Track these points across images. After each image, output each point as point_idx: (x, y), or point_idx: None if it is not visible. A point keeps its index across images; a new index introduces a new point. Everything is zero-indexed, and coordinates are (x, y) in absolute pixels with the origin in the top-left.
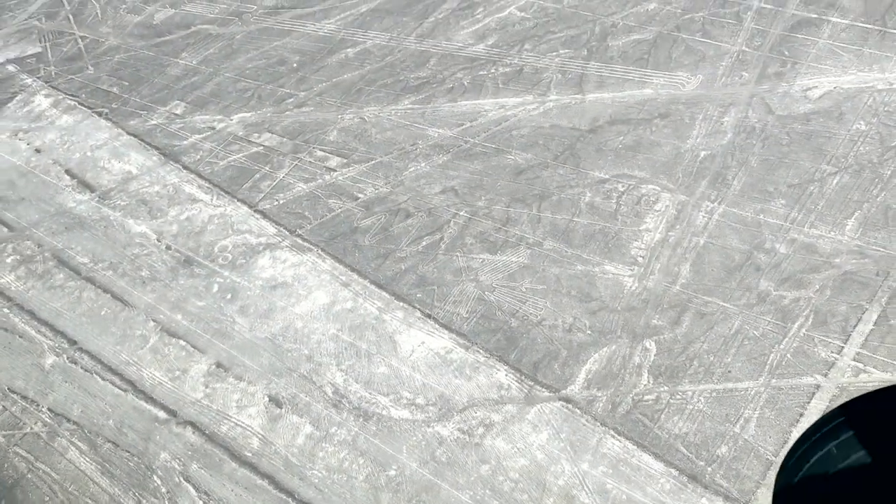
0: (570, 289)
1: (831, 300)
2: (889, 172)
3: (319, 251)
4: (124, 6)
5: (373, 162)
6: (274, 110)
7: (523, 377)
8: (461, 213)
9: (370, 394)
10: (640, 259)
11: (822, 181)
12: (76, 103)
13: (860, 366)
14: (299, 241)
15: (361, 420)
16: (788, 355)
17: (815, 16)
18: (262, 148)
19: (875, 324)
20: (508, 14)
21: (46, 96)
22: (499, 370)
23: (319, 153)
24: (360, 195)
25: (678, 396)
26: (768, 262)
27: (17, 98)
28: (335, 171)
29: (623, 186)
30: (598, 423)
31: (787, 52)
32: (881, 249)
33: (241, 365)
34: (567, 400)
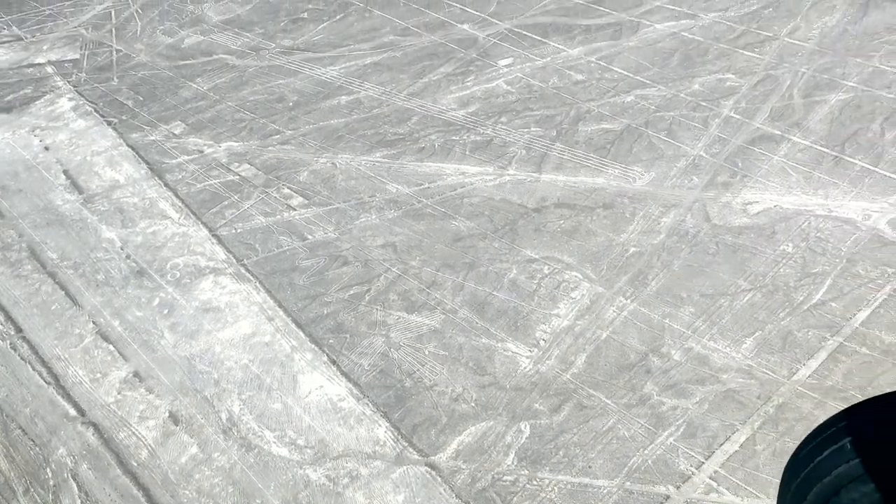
0: (469, 360)
1: (706, 414)
2: (801, 299)
3: (257, 283)
4: (162, 28)
5: (330, 207)
6: (259, 143)
7: (400, 437)
8: (393, 269)
9: (259, 427)
10: (541, 342)
11: (734, 296)
12: (93, 110)
13: (714, 484)
14: (243, 270)
15: (244, 450)
16: (650, 461)
17: (778, 132)
18: (238, 177)
19: (741, 446)
20: (496, 86)
21: (70, 99)
22: (380, 426)
23: (286, 190)
24: (309, 236)
25: (535, 482)
26: (659, 367)
27: (45, 97)
28: (295, 210)
29: (548, 269)
30: (454, 495)
31: (740, 164)
32: (769, 373)
33: (156, 378)
34: (433, 466)
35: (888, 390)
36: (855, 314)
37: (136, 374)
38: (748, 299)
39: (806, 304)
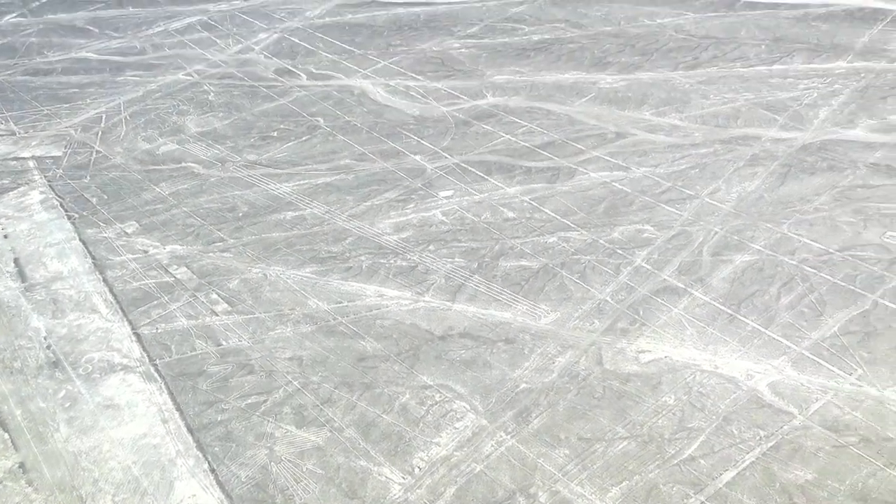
0: (343, 482)
1: None
2: (672, 452)
3: (162, 384)
4: (143, 134)
5: (251, 316)
6: (202, 249)
7: None
8: (294, 383)
9: None
10: (417, 470)
11: (609, 442)
12: (59, 204)
13: None
14: (153, 370)
15: None
16: None
17: (682, 286)
18: (173, 279)
19: None
20: (432, 215)
21: (41, 193)
22: None
23: (214, 296)
24: (224, 343)
25: None
26: None
27: (19, 189)
28: (217, 315)
29: (440, 397)
30: None
31: (641, 313)
32: None
33: (39, 471)
34: None
35: None
36: (721, 474)
37: (21, 466)
38: (622, 447)
39: (676, 458)
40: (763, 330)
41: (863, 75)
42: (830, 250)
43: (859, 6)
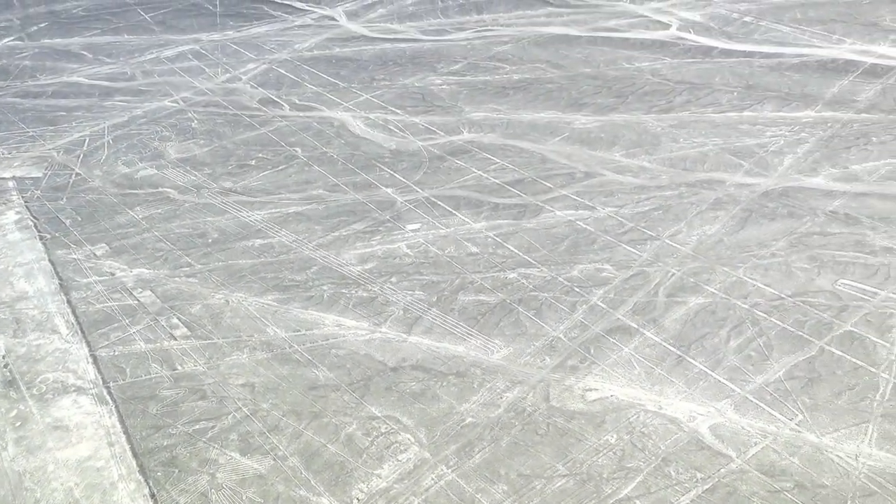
0: None
1: None
2: (609, 492)
3: (113, 407)
4: (124, 159)
5: (209, 342)
6: (168, 273)
7: None
8: (244, 409)
9: None
10: (355, 502)
11: (549, 479)
12: (33, 224)
13: None
14: (105, 392)
15: None
16: None
17: (635, 326)
18: (136, 303)
19: None
20: (397, 248)
21: (17, 213)
22: None
23: (175, 320)
24: (179, 367)
25: None
26: None
27: None
28: (176, 340)
29: (386, 428)
30: None
31: (592, 351)
32: None
33: None
34: None
35: None
36: None
37: None
38: (560, 485)
39: (612, 497)
40: (709, 372)
41: (829, 125)
42: (783, 295)
43: (832, 57)
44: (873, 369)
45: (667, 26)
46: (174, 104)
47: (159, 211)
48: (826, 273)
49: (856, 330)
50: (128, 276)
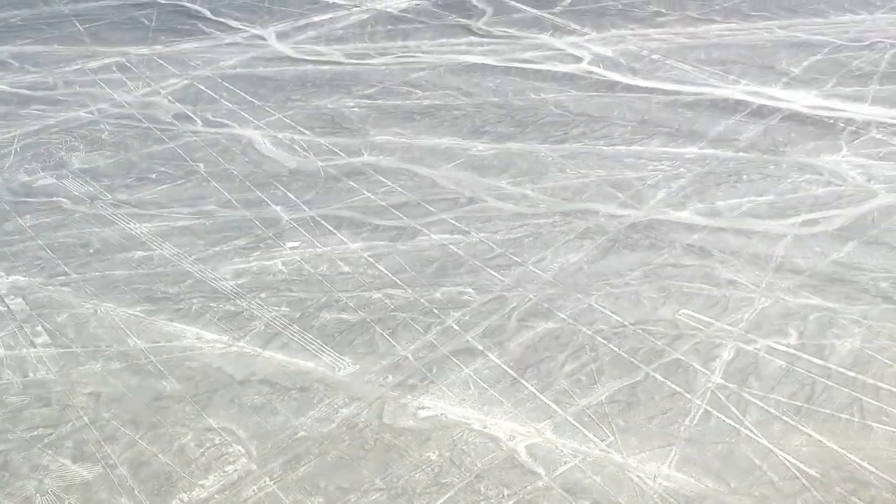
0: None
1: None
2: (424, 503)
3: None
4: (27, 167)
5: (67, 350)
6: (43, 282)
7: None
8: (84, 418)
9: None
10: None
11: (364, 493)
12: None
13: None
14: None
15: None
16: None
17: (481, 348)
18: (5, 309)
19: None
20: (272, 264)
21: None
22: None
23: (39, 328)
24: (31, 374)
25: None
26: None
27: None
28: (35, 347)
29: (219, 440)
30: None
31: (434, 371)
32: None
33: None
34: None
35: None
36: None
37: None
38: (374, 498)
39: None
40: (538, 394)
41: (708, 161)
42: (626, 323)
43: (725, 97)
44: (689, 395)
45: (579, 60)
46: (89, 115)
47: (48, 220)
48: (671, 303)
49: (683, 358)
50: (2, 283)
